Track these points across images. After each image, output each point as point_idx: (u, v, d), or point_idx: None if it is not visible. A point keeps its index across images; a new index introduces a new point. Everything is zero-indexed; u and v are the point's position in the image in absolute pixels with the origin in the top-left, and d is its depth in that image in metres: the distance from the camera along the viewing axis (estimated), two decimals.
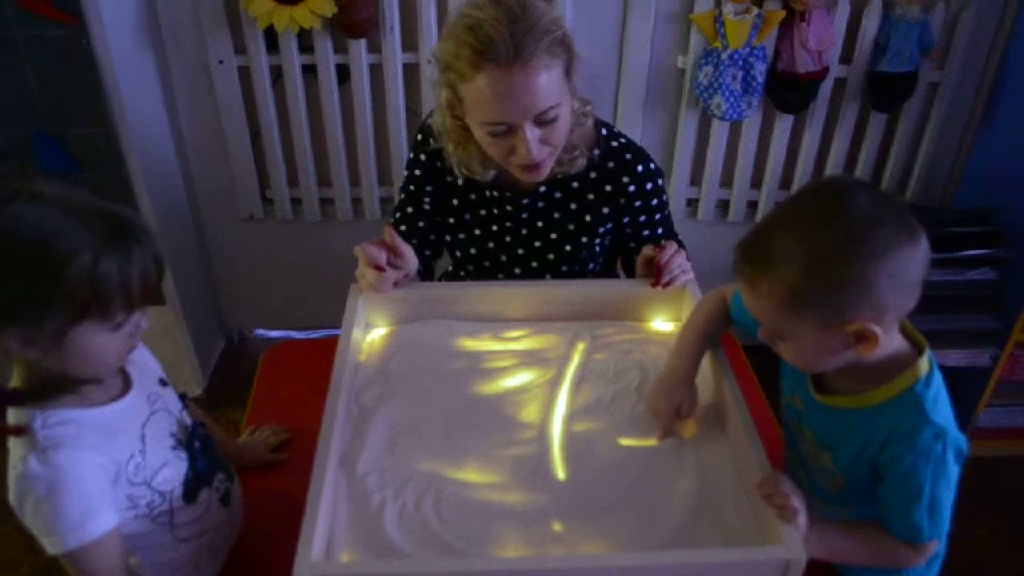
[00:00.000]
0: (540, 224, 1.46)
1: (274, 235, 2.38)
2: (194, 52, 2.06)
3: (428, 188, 1.47)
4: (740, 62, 2.01)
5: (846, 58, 2.11)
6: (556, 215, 1.45)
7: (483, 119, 1.23)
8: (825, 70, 2.06)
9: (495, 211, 1.45)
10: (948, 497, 0.91)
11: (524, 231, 1.47)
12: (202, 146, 2.23)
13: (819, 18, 1.98)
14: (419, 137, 1.45)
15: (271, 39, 2.03)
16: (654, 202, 1.45)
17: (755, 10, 1.96)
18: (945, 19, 2.05)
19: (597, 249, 1.50)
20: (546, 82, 1.19)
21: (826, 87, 2.12)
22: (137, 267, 0.85)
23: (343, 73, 2.10)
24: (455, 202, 1.47)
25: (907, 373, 0.92)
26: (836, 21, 2.03)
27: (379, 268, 1.25)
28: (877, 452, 0.92)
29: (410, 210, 1.49)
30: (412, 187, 1.48)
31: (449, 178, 1.43)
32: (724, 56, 2.01)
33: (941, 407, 0.92)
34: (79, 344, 0.84)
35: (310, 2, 1.91)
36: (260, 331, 2.67)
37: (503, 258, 1.51)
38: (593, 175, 1.41)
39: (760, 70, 2.03)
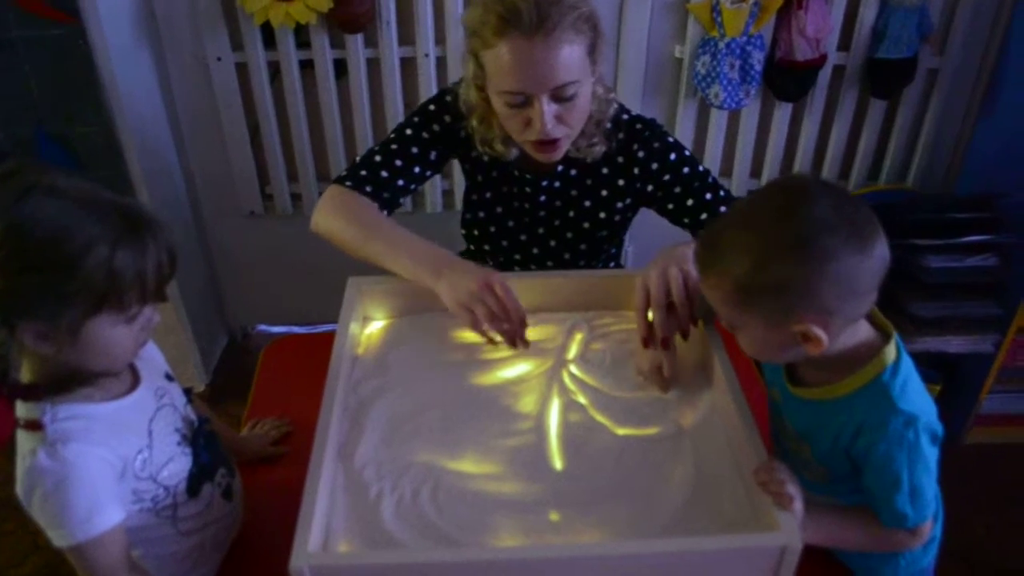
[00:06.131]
0: (559, 203, 1.46)
1: (275, 230, 2.39)
2: (191, 49, 2.07)
3: (434, 152, 1.41)
4: (738, 51, 2.01)
5: (844, 45, 2.10)
6: (573, 192, 1.45)
7: (501, 87, 1.23)
8: (823, 57, 2.06)
9: (515, 190, 1.46)
10: (929, 480, 0.91)
11: (543, 212, 1.47)
12: (201, 143, 2.23)
13: (816, 5, 1.97)
14: (448, 99, 1.40)
15: (268, 35, 2.03)
16: (685, 170, 1.38)
17: None
18: (944, 4, 2.04)
19: (616, 227, 1.49)
20: (568, 56, 1.19)
21: (825, 74, 2.11)
22: (152, 259, 0.86)
23: (340, 68, 2.11)
24: (479, 178, 1.47)
25: (874, 362, 0.92)
26: (834, 8, 2.03)
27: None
28: (850, 443, 0.93)
29: (395, 147, 1.40)
30: (410, 132, 1.40)
31: (474, 153, 1.43)
32: (721, 45, 2.00)
33: (911, 393, 0.91)
34: (94, 337, 0.85)
35: None
36: (262, 326, 2.68)
37: (523, 237, 1.51)
38: (605, 149, 1.40)
39: (758, 58, 2.03)
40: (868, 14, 2.03)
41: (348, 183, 1.38)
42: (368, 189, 1.37)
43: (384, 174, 1.38)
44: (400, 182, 1.40)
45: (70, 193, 0.83)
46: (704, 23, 2.02)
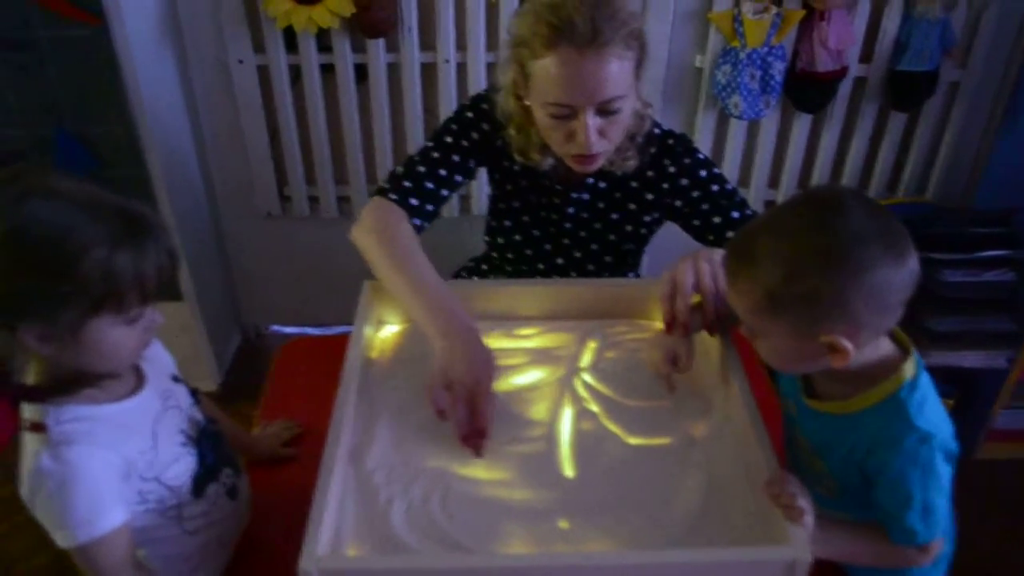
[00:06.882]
0: (586, 215, 1.46)
1: (291, 232, 2.40)
2: (214, 51, 2.08)
3: (472, 160, 1.41)
4: (758, 61, 2.01)
5: (866, 57, 2.09)
6: (602, 205, 1.45)
7: (547, 99, 1.22)
8: (844, 69, 2.05)
9: (544, 200, 1.45)
10: (941, 499, 0.91)
11: (570, 223, 1.47)
12: (221, 144, 2.25)
13: (839, 17, 1.97)
14: (484, 106, 1.39)
15: (290, 39, 2.05)
16: (715, 188, 1.38)
17: (774, 9, 1.95)
18: (967, 18, 2.03)
19: (641, 240, 1.49)
20: (617, 71, 1.18)
21: (845, 86, 2.11)
22: (152, 261, 0.86)
23: (361, 72, 2.11)
24: (508, 187, 1.47)
25: (892, 378, 0.92)
26: (856, 20, 2.02)
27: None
28: (864, 458, 0.92)
29: (437, 156, 1.38)
30: (451, 140, 1.39)
31: (506, 162, 1.42)
32: (742, 55, 2.00)
33: (928, 411, 0.91)
34: (95, 338, 0.86)
35: (328, 2, 1.92)
36: (276, 327, 2.69)
37: (548, 247, 1.50)
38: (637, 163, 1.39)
39: (779, 69, 2.02)
40: (890, 26, 2.02)
41: (393, 196, 1.35)
42: (413, 203, 1.35)
43: (429, 185, 1.36)
44: (444, 192, 1.38)
45: (69, 195, 0.83)
46: (725, 33, 2.01)
